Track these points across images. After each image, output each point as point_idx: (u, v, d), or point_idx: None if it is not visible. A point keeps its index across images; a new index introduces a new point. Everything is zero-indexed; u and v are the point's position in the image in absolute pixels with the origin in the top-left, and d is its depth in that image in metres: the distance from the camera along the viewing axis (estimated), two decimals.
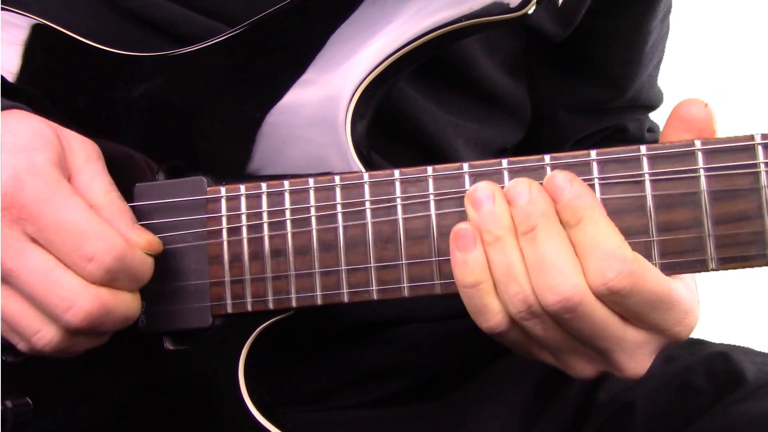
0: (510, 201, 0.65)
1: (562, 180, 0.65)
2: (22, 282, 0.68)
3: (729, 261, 0.63)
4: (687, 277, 0.69)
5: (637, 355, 0.67)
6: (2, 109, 0.73)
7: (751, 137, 0.63)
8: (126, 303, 0.70)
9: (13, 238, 0.67)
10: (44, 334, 0.69)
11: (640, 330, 0.66)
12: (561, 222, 0.65)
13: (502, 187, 0.66)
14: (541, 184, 0.66)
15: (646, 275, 0.63)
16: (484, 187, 0.66)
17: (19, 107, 0.75)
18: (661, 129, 1.17)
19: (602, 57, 1.04)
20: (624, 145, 1.10)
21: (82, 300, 0.67)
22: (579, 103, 1.07)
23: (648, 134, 1.14)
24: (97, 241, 0.67)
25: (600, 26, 1.00)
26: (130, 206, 0.77)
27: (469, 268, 0.65)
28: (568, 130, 1.07)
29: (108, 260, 0.67)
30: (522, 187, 0.65)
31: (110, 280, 0.68)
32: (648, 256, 0.64)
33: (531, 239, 0.64)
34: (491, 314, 0.66)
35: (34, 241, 0.68)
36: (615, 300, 0.63)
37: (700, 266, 0.64)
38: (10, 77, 0.83)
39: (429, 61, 0.79)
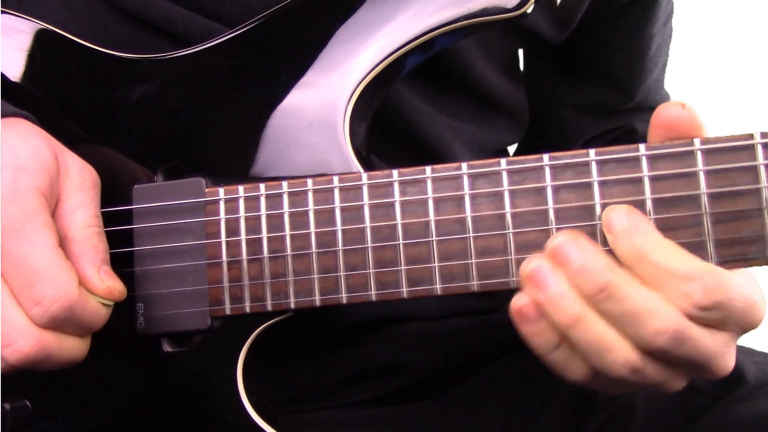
0: (558, 261, 0.62)
1: (619, 212, 0.63)
2: None
3: (729, 260, 0.63)
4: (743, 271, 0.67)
5: (726, 355, 0.65)
6: (6, 116, 0.72)
7: (751, 136, 0.63)
8: (70, 349, 0.69)
9: None
10: None
11: (726, 332, 0.64)
12: (623, 255, 0.62)
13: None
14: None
15: (727, 279, 0.61)
16: (538, 261, 0.63)
17: (24, 116, 0.74)
18: None
19: (604, 61, 1.04)
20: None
21: (22, 340, 0.66)
22: (585, 104, 1.07)
23: None
24: (49, 285, 0.66)
25: (599, 30, 1.00)
26: (128, 209, 0.77)
27: (543, 337, 0.63)
28: (575, 130, 1.07)
29: (54, 308, 0.66)
30: (567, 244, 0.62)
31: (55, 326, 0.67)
32: None
33: (609, 297, 0.61)
34: (576, 369, 0.65)
35: None
36: (708, 316, 0.61)
37: None
38: (10, 79, 0.83)
39: (426, 64, 0.79)
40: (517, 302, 0.63)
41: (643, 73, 1.06)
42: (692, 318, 0.61)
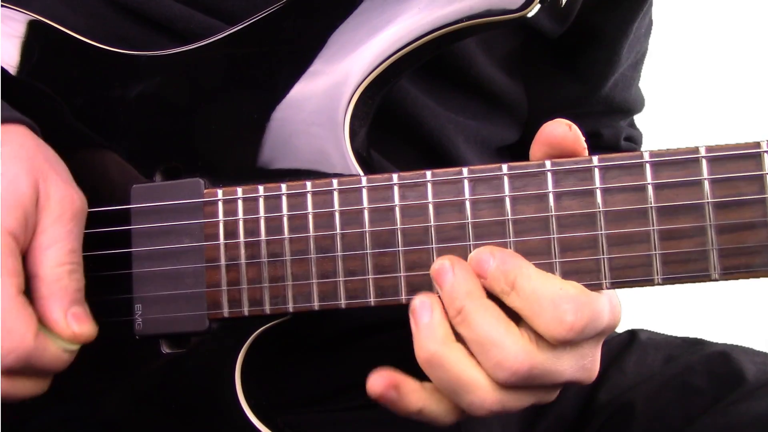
0: (438, 283, 0.66)
1: (484, 254, 0.65)
2: None
3: (733, 271, 0.62)
4: None
5: (588, 366, 0.67)
6: (5, 122, 0.71)
7: (757, 144, 0.62)
8: (26, 389, 0.69)
9: None
10: None
11: (586, 347, 0.66)
12: (498, 293, 0.65)
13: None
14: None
15: (592, 300, 0.63)
16: (423, 299, 0.66)
17: (23, 121, 0.73)
18: (643, 139, 1.16)
19: (587, 55, 1.03)
20: (599, 151, 1.09)
21: None
22: (558, 107, 1.05)
23: (624, 143, 1.13)
24: (4, 337, 0.65)
25: (588, 21, 0.99)
26: (127, 208, 0.76)
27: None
28: None
29: (8, 359, 0.66)
30: (445, 269, 0.66)
31: (11, 374, 0.67)
32: (649, 266, 0.64)
33: (462, 322, 0.64)
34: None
35: None
36: (581, 337, 0.63)
37: (704, 276, 0.63)
38: (11, 74, 0.82)
39: (428, 60, 0.78)
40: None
41: (615, 67, 1.05)
42: (567, 342, 0.63)
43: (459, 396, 0.65)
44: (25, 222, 0.68)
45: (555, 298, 0.62)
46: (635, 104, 1.12)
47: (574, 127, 0.65)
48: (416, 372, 0.91)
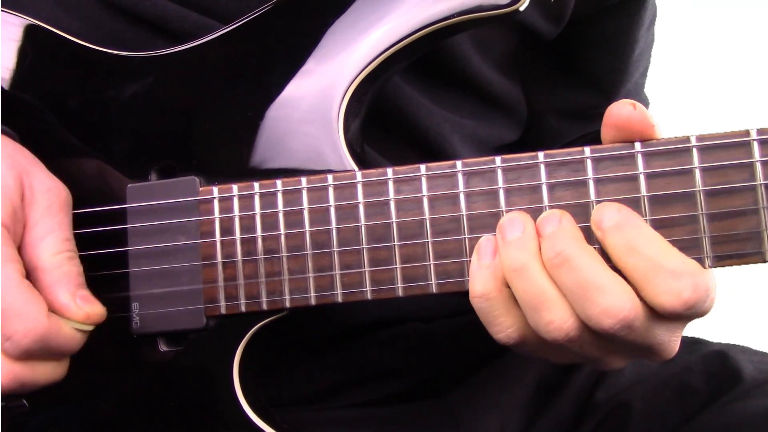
0: (539, 232, 0.65)
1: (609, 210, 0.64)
2: None
3: (725, 258, 0.63)
4: None
5: (672, 342, 0.66)
6: None
7: (747, 132, 0.63)
8: (46, 374, 0.69)
9: None
10: None
11: (679, 324, 0.65)
12: (610, 250, 0.63)
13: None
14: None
15: (707, 280, 0.62)
16: (514, 215, 0.65)
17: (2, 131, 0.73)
18: None
19: (590, 62, 1.04)
20: None
21: None
22: (568, 109, 1.07)
23: None
24: (17, 321, 0.66)
25: (587, 30, 1.01)
26: (123, 207, 0.77)
27: (481, 275, 0.65)
28: (554, 134, 1.07)
29: (24, 343, 0.66)
30: (551, 217, 0.64)
31: (28, 357, 0.68)
32: None
33: (561, 264, 0.62)
34: (502, 327, 0.66)
35: None
36: (689, 314, 0.62)
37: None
38: (5, 77, 0.83)
39: (424, 59, 0.78)
40: (482, 238, 0.67)
41: (624, 75, 1.06)
42: (673, 315, 0.62)
43: (537, 313, 0.64)
44: (14, 215, 0.69)
45: (677, 270, 0.61)
46: None
47: (639, 105, 0.65)
48: (416, 367, 0.92)
